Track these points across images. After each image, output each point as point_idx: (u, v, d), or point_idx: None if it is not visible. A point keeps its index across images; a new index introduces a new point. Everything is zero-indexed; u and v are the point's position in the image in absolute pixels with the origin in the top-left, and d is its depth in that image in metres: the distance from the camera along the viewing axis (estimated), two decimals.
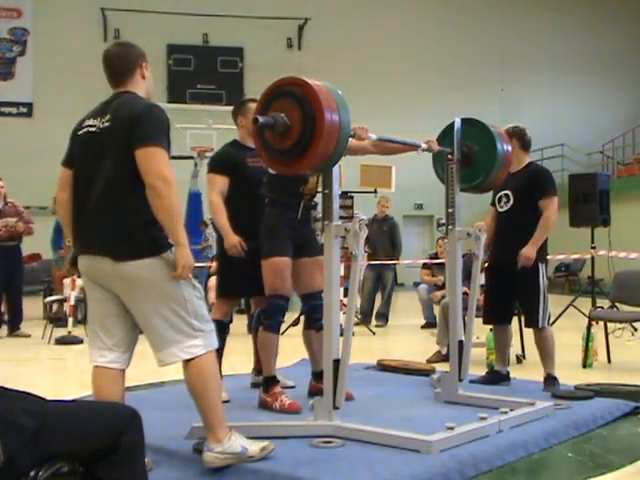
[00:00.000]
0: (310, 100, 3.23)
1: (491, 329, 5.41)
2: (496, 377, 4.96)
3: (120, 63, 3.06)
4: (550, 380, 4.73)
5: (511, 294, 4.91)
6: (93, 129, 2.98)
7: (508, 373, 5.04)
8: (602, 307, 6.55)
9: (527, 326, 4.97)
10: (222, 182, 4.33)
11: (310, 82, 3.28)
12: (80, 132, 3.04)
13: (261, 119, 3.27)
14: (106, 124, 2.94)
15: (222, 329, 4.25)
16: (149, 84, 3.12)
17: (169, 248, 2.91)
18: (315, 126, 3.21)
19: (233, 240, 4.23)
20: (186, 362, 2.93)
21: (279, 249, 4.05)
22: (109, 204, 2.90)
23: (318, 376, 4.13)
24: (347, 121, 3.32)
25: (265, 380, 4.10)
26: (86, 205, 2.97)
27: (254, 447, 3.02)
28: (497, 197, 4.92)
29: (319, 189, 4.17)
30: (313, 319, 4.20)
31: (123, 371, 3.05)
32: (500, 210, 4.92)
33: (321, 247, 4.19)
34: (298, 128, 3.25)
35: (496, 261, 4.93)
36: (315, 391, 4.14)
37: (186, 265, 2.86)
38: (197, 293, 2.98)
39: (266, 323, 4.06)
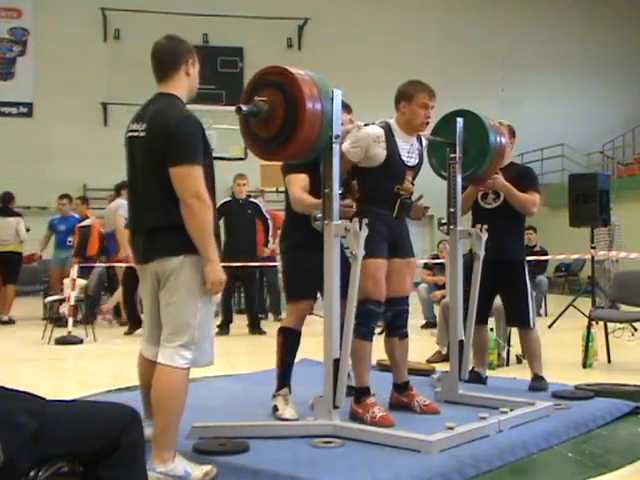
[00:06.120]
0: (291, 87, 3.25)
1: (491, 329, 5.40)
2: (472, 377, 4.75)
3: (166, 56, 3.06)
4: (537, 379, 4.68)
5: (493, 293, 4.82)
6: (135, 134, 3.02)
7: (486, 378, 4.95)
8: (602, 307, 6.55)
9: (517, 326, 4.88)
10: (303, 179, 3.88)
11: (292, 70, 3.31)
12: (127, 135, 3.08)
13: (244, 107, 3.30)
14: (142, 133, 2.97)
15: (294, 339, 3.91)
16: (193, 81, 3.14)
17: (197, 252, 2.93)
18: (297, 113, 3.23)
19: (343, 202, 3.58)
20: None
21: (375, 249, 3.63)
22: (147, 206, 2.97)
23: (399, 388, 4.02)
24: (329, 108, 3.33)
25: (357, 390, 3.77)
26: (135, 207, 3.08)
27: (197, 472, 2.93)
28: (482, 194, 4.78)
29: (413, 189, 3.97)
30: (397, 326, 3.96)
31: None
32: (487, 207, 4.78)
33: (412, 248, 4.02)
34: (281, 116, 3.27)
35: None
36: (396, 404, 4.00)
37: (215, 280, 2.89)
38: (211, 307, 2.99)
39: (358, 330, 3.63)
